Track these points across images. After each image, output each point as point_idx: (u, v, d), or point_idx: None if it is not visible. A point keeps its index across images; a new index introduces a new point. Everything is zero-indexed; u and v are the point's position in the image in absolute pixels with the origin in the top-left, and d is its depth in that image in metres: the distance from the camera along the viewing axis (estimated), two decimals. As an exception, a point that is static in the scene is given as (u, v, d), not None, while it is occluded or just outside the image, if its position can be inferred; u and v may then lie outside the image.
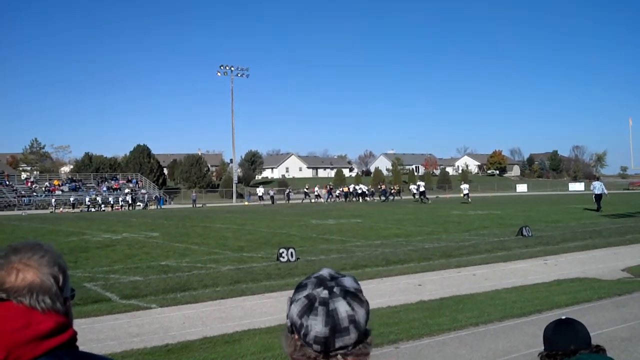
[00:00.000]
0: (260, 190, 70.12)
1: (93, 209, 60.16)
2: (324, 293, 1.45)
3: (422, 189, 55.70)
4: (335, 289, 1.46)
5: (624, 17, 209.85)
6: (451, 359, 6.31)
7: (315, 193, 70.12)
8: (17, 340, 1.31)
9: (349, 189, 70.60)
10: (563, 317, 2.61)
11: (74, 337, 1.44)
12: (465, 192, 55.46)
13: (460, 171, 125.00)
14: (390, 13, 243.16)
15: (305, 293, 1.48)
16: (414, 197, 57.51)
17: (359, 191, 69.05)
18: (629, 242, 17.14)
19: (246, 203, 66.86)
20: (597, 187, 34.25)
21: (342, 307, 1.43)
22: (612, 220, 25.44)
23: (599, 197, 33.40)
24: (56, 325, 1.38)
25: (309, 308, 1.44)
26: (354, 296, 1.47)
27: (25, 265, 1.43)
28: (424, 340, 7.06)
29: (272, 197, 66.73)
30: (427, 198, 54.04)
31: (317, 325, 1.42)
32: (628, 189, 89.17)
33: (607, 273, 11.91)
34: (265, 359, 6.24)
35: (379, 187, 70.93)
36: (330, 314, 1.42)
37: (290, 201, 66.53)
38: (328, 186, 72.40)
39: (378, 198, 66.51)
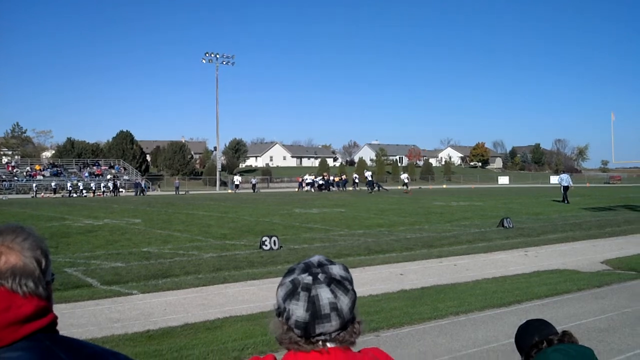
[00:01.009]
0: (237, 179, 69.86)
1: (75, 195, 59.67)
2: (308, 279, 1.46)
3: (369, 178, 56.70)
4: (320, 276, 1.47)
5: (609, 11, 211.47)
6: (431, 348, 6.36)
7: (307, 181, 68.45)
8: None
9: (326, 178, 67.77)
10: (522, 323, 2.64)
11: (54, 321, 1.43)
12: (405, 181, 56.15)
13: (443, 162, 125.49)
14: (375, 3, 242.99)
15: (291, 278, 1.49)
16: (405, 187, 57.63)
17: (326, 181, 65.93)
18: (608, 234, 17.35)
19: (229, 191, 66.54)
20: (565, 179, 35.32)
21: (324, 294, 1.44)
22: (592, 213, 25.71)
23: (566, 188, 34.52)
24: (36, 309, 1.37)
25: (292, 293, 1.46)
26: (339, 284, 1.48)
27: (8, 249, 1.40)
28: (404, 329, 7.11)
29: (253, 185, 66.47)
30: (372, 188, 54.87)
31: (298, 310, 1.43)
32: (608, 183, 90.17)
33: (586, 265, 12.06)
34: (246, 345, 6.25)
35: (340, 177, 69.51)
36: (312, 299, 1.43)
37: (255, 191, 65.54)
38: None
39: (339, 188, 64.69)
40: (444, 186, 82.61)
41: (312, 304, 1.43)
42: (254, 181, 68.30)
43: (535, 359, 2.36)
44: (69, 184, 62.74)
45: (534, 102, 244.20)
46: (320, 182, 64.66)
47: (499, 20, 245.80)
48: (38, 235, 1.49)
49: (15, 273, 1.38)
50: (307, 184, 64.20)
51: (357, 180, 66.48)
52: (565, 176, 36.01)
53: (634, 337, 6.66)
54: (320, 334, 1.45)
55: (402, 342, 6.59)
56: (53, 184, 62.69)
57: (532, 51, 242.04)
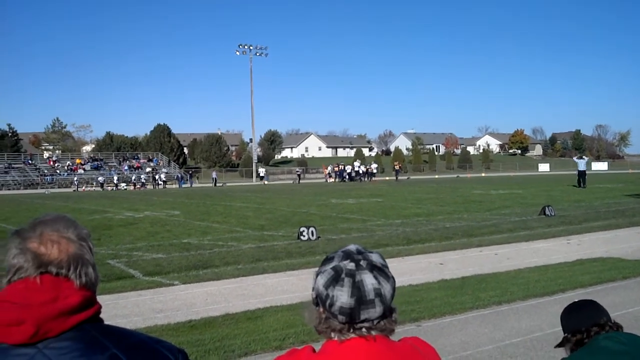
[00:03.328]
0: (262, 171, 70.84)
1: (114, 188, 60.79)
2: (351, 265, 1.46)
3: (356, 169, 57.49)
4: (362, 262, 1.47)
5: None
6: (474, 337, 6.29)
7: (327, 172, 69.03)
8: (46, 315, 1.31)
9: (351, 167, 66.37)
10: (575, 300, 2.58)
11: (99, 311, 1.44)
12: (374, 171, 56.61)
13: (481, 150, 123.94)
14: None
15: (332, 265, 1.49)
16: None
17: (357, 170, 64.88)
18: (653, 221, 16.92)
19: (265, 183, 67.01)
20: (581, 164, 36.15)
21: (368, 280, 1.44)
22: (636, 199, 25.10)
23: (582, 173, 35.28)
24: (83, 299, 1.38)
25: (335, 279, 1.45)
26: (381, 271, 1.48)
27: (62, 237, 1.42)
28: (446, 319, 7.05)
29: (298, 176, 67.97)
30: (362, 178, 55.82)
31: (342, 296, 1.43)
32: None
33: (630, 253, 11.77)
34: (287, 335, 6.28)
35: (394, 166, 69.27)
36: (357, 285, 1.43)
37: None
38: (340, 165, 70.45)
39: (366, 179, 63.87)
40: (483, 174, 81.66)
41: (357, 289, 1.42)
42: (299, 171, 71.25)
43: (587, 345, 2.32)
44: (115, 178, 63.99)
45: (574, 87, 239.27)
46: (351, 171, 64.34)
47: (539, 6, 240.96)
48: (80, 224, 1.50)
49: (74, 262, 1.40)
50: (336, 174, 64.30)
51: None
52: (582, 161, 36.74)
53: (684, 327, 6.48)
54: (364, 320, 1.44)
55: (443, 332, 6.54)
56: (100, 179, 63.81)
57: (571, 35, 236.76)
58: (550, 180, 51.86)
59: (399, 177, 63.22)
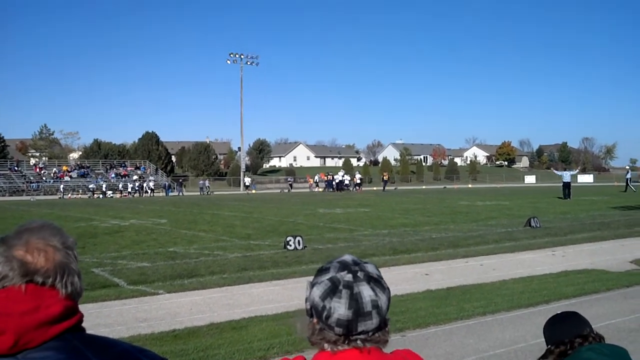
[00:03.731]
0: (247, 180, 70.89)
1: (101, 196, 60.43)
2: (348, 277, 1.45)
3: (340, 179, 60.73)
4: (360, 274, 1.46)
5: (635, 6, 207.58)
6: (458, 348, 6.30)
7: (312, 182, 68.87)
8: (27, 325, 1.28)
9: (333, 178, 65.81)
10: (558, 312, 2.59)
11: (81, 320, 1.42)
12: (384, 179, 61.78)
13: (468, 162, 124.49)
14: (399, 4, 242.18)
15: (328, 276, 1.48)
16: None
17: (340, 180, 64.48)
18: (637, 234, 17.04)
19: (253, 191, 66.83)
20: (565, 176, 37.63)
21: (366, 292, 1.43)
22: (621, 212, 25.31)
23: (567, 185, 36.51)
24: (65, 308, 1.36)
25: (333, 290, 1.44)
26: (377, 282, 1.47)
27: (48, 245, 1.39)
28: (431, 329, 7.06)
29: (290, 185, 69.28)
30: (350, 188, 59.47)
31: (340, 308, 1.42)
32: (637, 182, 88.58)
33: (615, 265, 11.85)
34: (272, 345, 6.25)
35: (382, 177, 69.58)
36: (354, 297, 1.42)
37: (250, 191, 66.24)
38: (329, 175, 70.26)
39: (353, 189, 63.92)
40: (470, 185, 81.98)
41: (355, 302, 1.41)
42: (290, 180, 72.67)
43: (570, 356, 2.33)
44: (94, 185, 63.57)
45: (561, 100, 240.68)
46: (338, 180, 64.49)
47: (521, 16, 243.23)
48: (65, 231, 1.49)
49: (60, 271, 1.38)
50: (326, 184, 64.47)
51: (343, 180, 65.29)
52: (566, 173, 38.47)
53: (666, 338, 6.53)
54: (361, 332, 1.43)
55: (428, 342, 6.55)
56: (91, 185, 63.40)
57: (558, 50, 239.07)
58: (537, 192, 52.13)
59: (386, 188, 63.15)
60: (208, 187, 66.40)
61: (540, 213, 23.52)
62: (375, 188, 67.47)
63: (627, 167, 50.97)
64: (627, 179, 36.12)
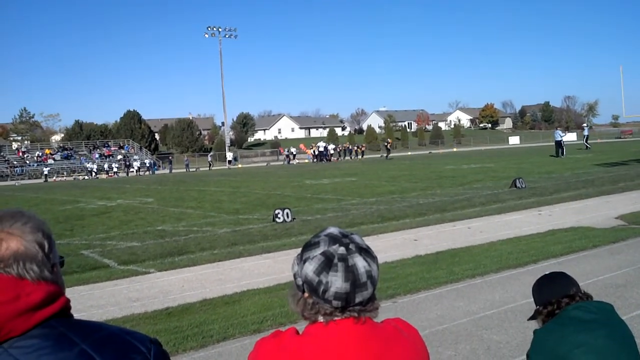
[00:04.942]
0: (229, 155, 70.45)
1: (86, 177, 59.96)
2: (341, 250, 1.46)
3: (321, 149, 60.69)
4: (351, 246, 1.48)
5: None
6: (449, 311, 6.39)
7: (285, 154, 68.07)
8: (8, 314, 1.27)
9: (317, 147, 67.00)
10: (546, 273, 2.63)
11: (66, 305, 1.39)
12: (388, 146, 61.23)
13: (452, 126, 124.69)
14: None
15: (320, 250, 1.48)
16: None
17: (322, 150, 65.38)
18: (621, 190, 17.25)
19: (239, 166, 66.62)
20: (557, 135, 39.78)
21: (360, 263, 1.45)
22: (605, 169, 25.56)
23: (559, 143, 38.53)
24: (47, 294, 1.34)
25: (328, 264, 1.45)
26: (367, 252, 1.49)
27: (8, 234, 1.37)
28: (421, 294, 7.14)
29: (287, 157, 67.09)
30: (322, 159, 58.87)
31: (337, 281, 1.43)
32: (620, 138, 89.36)
33: (600, 221, 12.00)
34: (265, 318, 6.30)
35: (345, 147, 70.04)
36: (350, 269, 1.44)
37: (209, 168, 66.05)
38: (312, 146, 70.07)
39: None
40: (454, 149, 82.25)
41: (352, 274, 1.43)
42: (294, 151, 69.92)
43: (557, 316, 2.37)
44: (95, 167, 63.30)
45: (542, 59, 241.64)
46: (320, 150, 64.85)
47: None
48: (39, 218, 1.45)
49: (18, 258, 1.35)
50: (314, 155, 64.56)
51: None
52: (557, 132, 40.48)
53: (652, 291, 6.65)
54: (358, 304, 1.46)
55: (419, 307, 6.63)
56: (90, 165, 62.85)
57: (537, 9, 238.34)
58: (521, 152, 52.49)
59: (390, 155, 62.07)
60: (210, 162, 66.91)
61: (525, 174, 23.68)
62: (360, 157, 67.44)
63: (584, 126, 53.30)
64: (559, 141, 37.75)
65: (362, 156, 67.59)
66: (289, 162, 64.15)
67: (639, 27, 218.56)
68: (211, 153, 72.34)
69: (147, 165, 67.42)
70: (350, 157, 66.90)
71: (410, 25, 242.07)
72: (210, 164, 66.91)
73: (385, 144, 65.87)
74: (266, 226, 13.81)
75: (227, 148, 76.91)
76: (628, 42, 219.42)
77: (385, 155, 62.46)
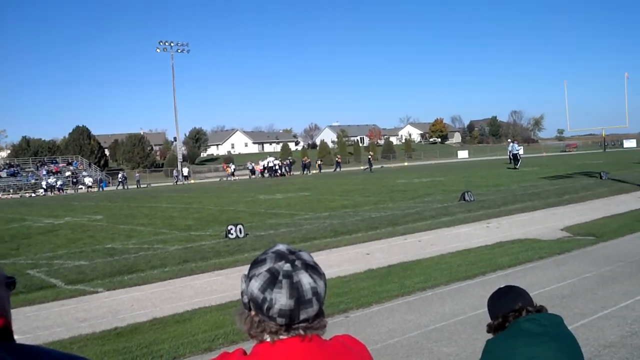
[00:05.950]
0: (185, 170, 70.05)
1: (33, 194, 58.34)
2: (287, 266, 1.45)
3: (271, 164, 62.64)
4: (297, 262, 1.47)
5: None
6: (400, 325, 6.44)
7: (231, 170, 67.54)
8: None
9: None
10: (501, 287, 2.69)
11: (7, 327, 1.33)
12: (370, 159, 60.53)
13: (403, 140, 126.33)
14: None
15: (266, 267, 1.47)
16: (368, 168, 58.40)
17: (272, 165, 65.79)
18: (566, 202, 17.75)
19: (181, 183, 65.50)
20: (514, 147, 43.11)
21: (305, 279, 1.44)
22: (550, 182, 26.25)
23: (515, 155, 42.10)
24: None
25: (272, 281, 1.44)
26: (314, 269, 1.48)
27: None
28: (373, 308, 7.19)
29: (251, 171, 67.94)
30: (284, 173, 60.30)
31: (281, 298, 1.42)
32: (565, 151, 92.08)
33: (546, 233, 12.32)
34: (217, 336, 6.23)
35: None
36: (295, 286, 1.43)
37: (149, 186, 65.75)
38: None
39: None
40: (405, 164, 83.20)
41: (296, 290, 1.42)
42: (250, 166, 70.60)
43: (508, 328, 2.43)
44: (43, 183, 61.36)
45: (490, 75, 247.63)
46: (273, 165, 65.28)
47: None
48: None
49: None
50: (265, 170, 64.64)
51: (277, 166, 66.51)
52: (514, 145, 43.85)
53: (596, 301, 6.86)
54: (302, 321, 1.44)
55: (371, 321, 6.66)
56: (51, 180, 60.69)
57: (485, 27, 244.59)
58: (470, 166, 53.47)
59: (372, 168, 60.21)
60: (177, 176, 66.25)
61: (474, 187, 24.15)
62: (314, 172, 67.57)
63: (509, 141, 57.35)
64: (515, 154, 40.79)
65: (320, 170, 67.62)
66: (176, 183, 64.03)
67: (582, 43, 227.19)
68: (177, 167, 71.13)
69: (98, 181, 65.92)
70: (304, 173, 66.70)
71: (361, 40, 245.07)
72: (176, 179, 65.99)
73: (337, 159, 66.41)
74: (219, 242, 13.68)
75: (179, 164, 75.95)
76: (572, 58, 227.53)
77: (369, 168, 60.29)
